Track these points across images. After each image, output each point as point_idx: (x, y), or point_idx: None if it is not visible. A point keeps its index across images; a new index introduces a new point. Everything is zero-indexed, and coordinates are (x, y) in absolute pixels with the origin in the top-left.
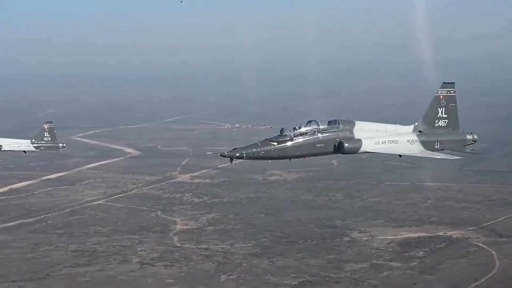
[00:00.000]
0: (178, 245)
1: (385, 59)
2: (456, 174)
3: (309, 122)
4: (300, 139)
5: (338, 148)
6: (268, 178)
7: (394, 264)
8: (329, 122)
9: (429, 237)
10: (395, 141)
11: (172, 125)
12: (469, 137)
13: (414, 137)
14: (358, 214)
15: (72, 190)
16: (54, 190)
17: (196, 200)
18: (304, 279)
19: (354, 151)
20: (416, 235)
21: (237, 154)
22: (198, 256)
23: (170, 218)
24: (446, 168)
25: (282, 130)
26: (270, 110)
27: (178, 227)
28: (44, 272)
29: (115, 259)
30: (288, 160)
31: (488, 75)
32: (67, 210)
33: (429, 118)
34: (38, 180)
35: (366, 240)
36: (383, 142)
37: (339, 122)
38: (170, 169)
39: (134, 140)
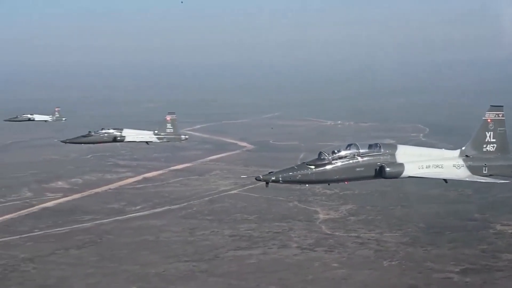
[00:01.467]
0: (328, 232)
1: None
2: None
3: (348, 146)
4: (339, 163)
5: (379, 173)
6: None
7: None
8: (370, 146)
9: None
10: (440, 166)
11: (274, 121)
12: None
13: (460, 161)
14: (494, 208)
15: (204, 180)
16: (187, 180)
17: (328, 191)
18: (464, 267)
19: (396, 175)
20: None
21: (273, 178)
22: (352, 243)
23: (310, 208)
24: None
25: (320, 154)
26: (368, 106)
27: (321, 216)
28: (211, 254)
29: (273, 244)
30: (327, 184)
31: None
32: (207, 198)
33: (477, 143)
34: (167, 170)
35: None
36: (427, 167)
37: (380, 146)
38: (291, 162)
39: (243, 134)
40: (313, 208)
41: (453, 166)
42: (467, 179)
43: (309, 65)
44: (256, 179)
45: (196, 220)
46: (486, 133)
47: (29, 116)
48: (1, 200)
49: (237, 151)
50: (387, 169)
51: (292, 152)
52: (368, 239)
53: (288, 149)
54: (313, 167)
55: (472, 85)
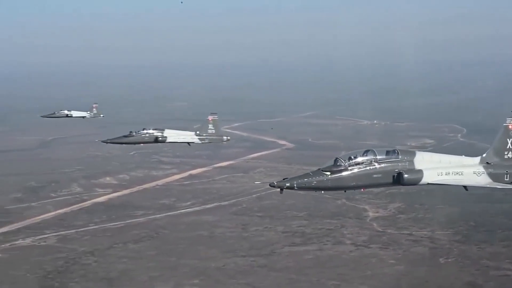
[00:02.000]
0: (380, 230)
1: None
2: None
3: (365, 152)
4: (355, 169)
5: (397, 179)
6: None
7: None
8: (387, 152)
9: None
10: (460, 173)
11: (309, 120)
12: None
13: (481, 169)
14: None
15: (249, 178)
16: (232, 177)
17: (375, 190)
18: None
19: (415, 182)
20: None
21: (287, 184)
22: (405, 240)
23: (358, 206)
24: None
25: (336, 160)
26: (400, 106)
27: (370, 214)
28: (267, 249)
29: (328, 241)
30: (344, 191)
31: None
32: (254, 195)
33: (498, 150)
34: (211, 167)
35: None
36: (447, 174)
37: (398, 152)
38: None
39: (281, 133)
40: (362, 206)
41: (474, 173)
42: (488, 186)
43: (335, 64)
44: (270, 185)
45: (247, 216)
46: (508, 140)
47: (67, 112)
48: (53, 195)
49: (277, 149)
50: (405, 175)
51: (332, 151)
52: (421, 237)
53: (328, 148)
54: (329, 173)
55: (500, 84)
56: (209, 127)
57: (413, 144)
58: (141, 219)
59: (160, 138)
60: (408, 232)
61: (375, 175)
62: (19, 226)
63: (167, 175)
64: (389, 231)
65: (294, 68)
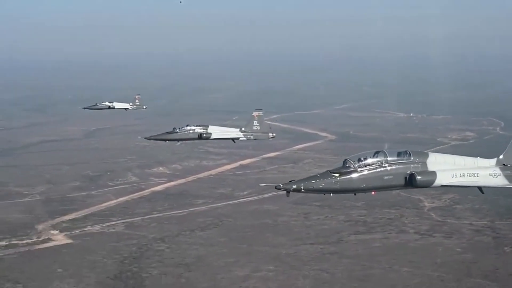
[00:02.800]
0: (439, 219)
1: None
2: None
3: (376, 153)
4: (365, 171)
5: (410, 181)
6: None
7: None
8: (399, 153)
9: None
10: (475, 175)
11: (346, 112)
12: None
13: (497, 170)
14: None
15: (299, 168)
16: (282, 167)
17: None
18: None
19: (428, 184)
20: None
21: (294, 187)
22: (467, 230)
23: (413, 196)
24: None
25: (345, 161)
26: (434, 99)
27: (427, 204)
28: (334, 237)
29: (391, 229)
30: (353, 194)
31: None
32: None
33: None
34: (260, 158)
35: None
36: (461, 175)
37: (410, 153)
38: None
39: (320, 125)
40: (416, 197)
41: (490, 175)
42: (506, 186)
43: (362, 57)
44: (276, 187)
45: (307, 206)
46: None
47: (109, 104)
48: (110, 183)
49: (320, 141)
50: (418, 177)
51: (375, 143)
52: (482, 227)
53: (371, 140)
54: (337, 175)
55: None
56: (254, 123)
57: (454, 136)
58: (202, 208)
59: (204, 135)
60: (468, 222)
61: (386, 177)
62: (85, 213)
63: (218, 165)
64: (448, 220)
65: (328, 61)
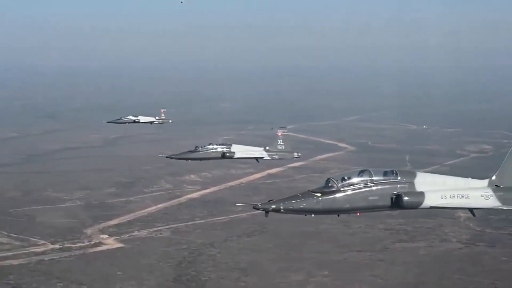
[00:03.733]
0: (478, 229)
1: None
2: None
3: (361, 172)
4: (349, 191)
5: (396, 202)
6: None
7: None
8: (385, 173)
9: None
10: (466, 196)
11: (358, 123)
12: None
13: (489, 192)
14: None
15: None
16: (311, 176)
17: None
18: None
19: (416, 206)
20: None
21: (273, 206)
22: (508, 240)
23: None
24: None
25: (328, 180)
26: (443, 111)
27: (462, 214)
28: (379, 245)
29: (433, 238)
30: (337, 216)
31: None
32: None
33: (508, 172)
34: (286, 167)
35: None
36: (451, 196)
37: (396, 173)
38: (400, 164)
39: (337, 135)
40: None
41: (481, 196)
42: (497, 208)
43: (371, 69)
44: (254, 207)
45: (343, 214)
46: None
47: (133, 118)
48: (146, 190)
49: (341, 152)
50: (405, 198)
51: (396, 154)
52: None
53: (390, 151)
54: (319, 195)
55: None
56: (279, 142)
57: (472, 149)
58: (243, 215)
59: (227, 154)
60: (507, 232)
61: (371, 197)
62: (128, 219)
63: (247, 174)
64: (487, 230)
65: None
